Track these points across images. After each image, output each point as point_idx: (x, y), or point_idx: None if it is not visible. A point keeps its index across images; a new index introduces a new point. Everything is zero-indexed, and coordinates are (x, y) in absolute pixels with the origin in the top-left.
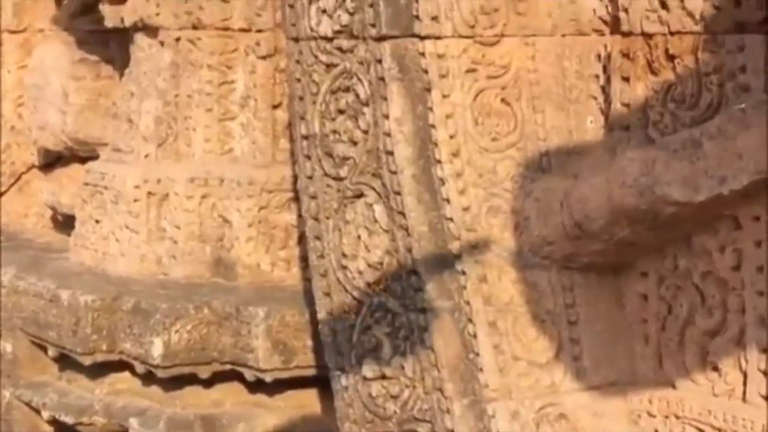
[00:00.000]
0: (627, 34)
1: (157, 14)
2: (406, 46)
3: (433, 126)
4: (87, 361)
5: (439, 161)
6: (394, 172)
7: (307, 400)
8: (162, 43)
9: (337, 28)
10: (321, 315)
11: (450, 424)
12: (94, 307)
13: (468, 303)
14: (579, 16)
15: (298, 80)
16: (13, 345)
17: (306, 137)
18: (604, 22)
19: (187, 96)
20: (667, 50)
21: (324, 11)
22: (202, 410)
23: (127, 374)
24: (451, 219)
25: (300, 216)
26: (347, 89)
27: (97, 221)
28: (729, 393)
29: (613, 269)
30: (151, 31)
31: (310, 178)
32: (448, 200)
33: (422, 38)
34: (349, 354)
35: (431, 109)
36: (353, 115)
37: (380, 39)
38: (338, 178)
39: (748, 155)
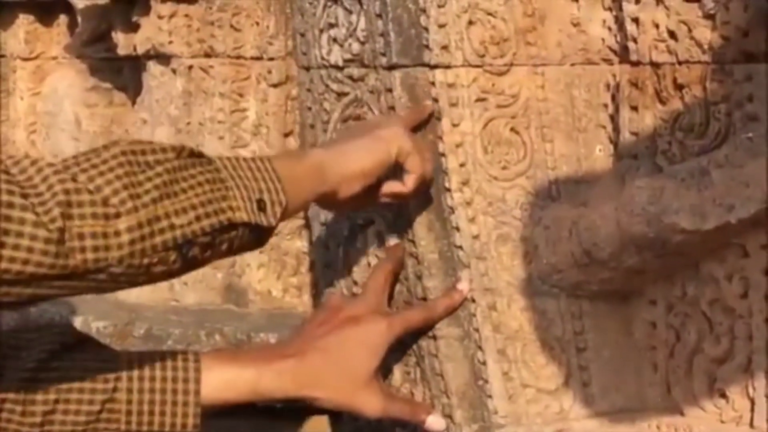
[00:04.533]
0: (636, 64)
1: (170, 42)
2: (416, 75)
3: (443, 154)
4: None
5: (448, 189)
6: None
7: (319, 427)
8: (174, 71)
9: (348, 57)
10: None
11: None
12: (106, 333)
13: (477, 330)
14: (588, 46)
15: (309, 108)
16: None
17: None
18: (613, 51)
19: (199, 124)
20: (675, 80)
21: (335, 40)
22: None
23: None
24: (460, 247)
25: (311, 243)
26: (358, 118)
27: None
28: (737, 420)
29: (621, 297)
30: (164, 59)
31: None
32: (457, 228)
33: (432, 67)
34: None
35: (441, 137)
36: None
37: (391, 68)
38: None
39: (755, 183)
